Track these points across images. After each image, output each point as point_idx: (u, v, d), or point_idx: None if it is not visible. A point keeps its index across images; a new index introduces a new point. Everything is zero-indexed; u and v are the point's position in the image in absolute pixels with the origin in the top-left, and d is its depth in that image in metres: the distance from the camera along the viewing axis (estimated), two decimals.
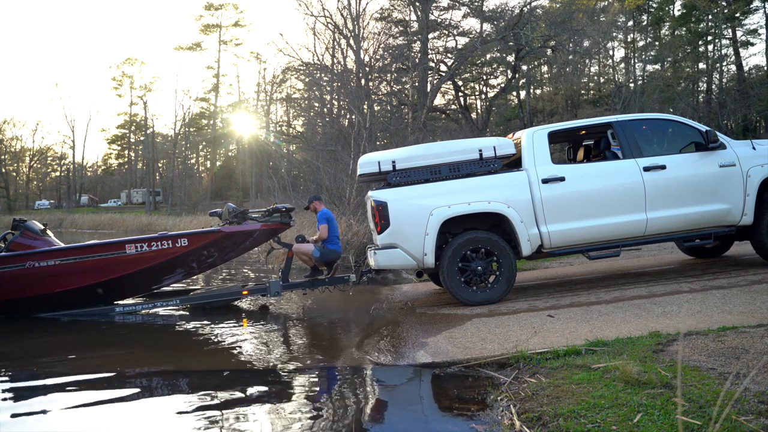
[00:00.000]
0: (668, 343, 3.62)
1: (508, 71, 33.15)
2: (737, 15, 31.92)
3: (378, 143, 15.54)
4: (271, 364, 4.54)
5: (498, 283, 5.59)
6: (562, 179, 5.70)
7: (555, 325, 4.50)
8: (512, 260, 5.59)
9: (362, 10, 19.39)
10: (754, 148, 5.98)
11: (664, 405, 2.61)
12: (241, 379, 4.15)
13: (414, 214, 5.56)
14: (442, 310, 5.64)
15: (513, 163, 6.19)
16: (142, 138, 61.40)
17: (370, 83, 19.89)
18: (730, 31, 32.33)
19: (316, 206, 7.19)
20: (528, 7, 22.18)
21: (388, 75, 23.17)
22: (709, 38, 32.42)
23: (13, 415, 3.53)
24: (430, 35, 24.48)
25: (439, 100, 29.99)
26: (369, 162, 5.86)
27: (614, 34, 32.99)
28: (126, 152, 67.19)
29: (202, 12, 56.80)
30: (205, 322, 6.18)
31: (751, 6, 31.69)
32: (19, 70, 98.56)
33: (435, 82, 23.57)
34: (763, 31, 32.82)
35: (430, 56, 23.57)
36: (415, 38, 24.37)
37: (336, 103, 20.63)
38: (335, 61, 19.82)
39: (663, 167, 5.76)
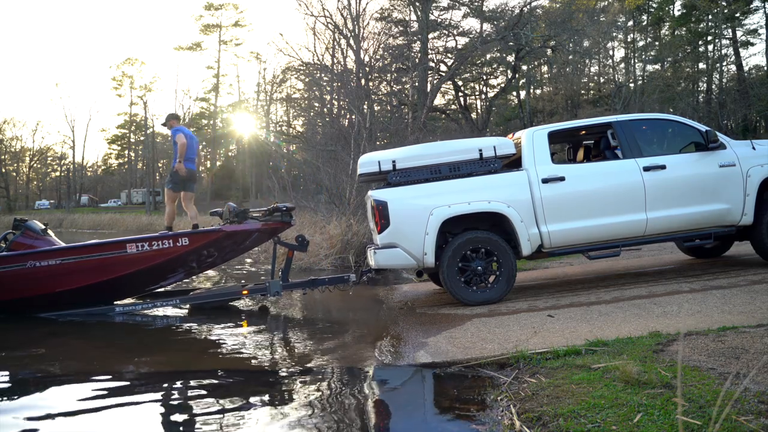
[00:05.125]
0: (668, 343, 3.62)
1: (508, 71, 33.16)
2: (737, 15, 31.95)
3: (378, 143, 15.52)
4: (271, 364, 4.54)
5: (498, 283, 5.60)
6: (562, 179, 5.71)
7: (555, 325, 4.50)
8: (512, 260, 5.59)
9: (362, 10, 19.38)
10: (754, 148, 5.99)
11: (664, 405, 2.61)
12: (240, 379, 4.15)
13: (414, 214, 5.56)
14: (442, 310, 5.64)
15: (513, 163, 6.19)
16: (142, 138, 61.39)
17: (370, 83, 19.88)
18: (730, 31, 32.35)
19: (173, 124, 7.61)
20: (528, 7, 22.17)
21: (388, 75, 23.15)
22: (709, 38, 32.45)
23: (13, 416, 3.53)
24: (430, 35, 24.47)
25: (439, 100, 30.00)
26: (369, 162, 5.86)
27: (614, 34, 32.99)
28: (126, 152, 67.19)
29: (202, 12, 56.73)
30: (205, 322, 6.18)
31: (751, 6, 31.73)
32: (19, 70, 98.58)
33: (435, 82, 23.57)
34: (763, 31, 32.85)
35: (430, 56, 23.57)
36: (415, 38, 24.36)
37: (336, 103, 20.61)
38: (335, 61, 19.81)
39: (663, 167, 5.76)
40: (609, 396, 2.82)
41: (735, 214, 5.81)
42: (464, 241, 5.57)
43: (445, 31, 26.23)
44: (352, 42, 18.95)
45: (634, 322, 4.31)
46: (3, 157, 63.22)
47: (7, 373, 4.67)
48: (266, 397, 3.68)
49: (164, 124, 7.92)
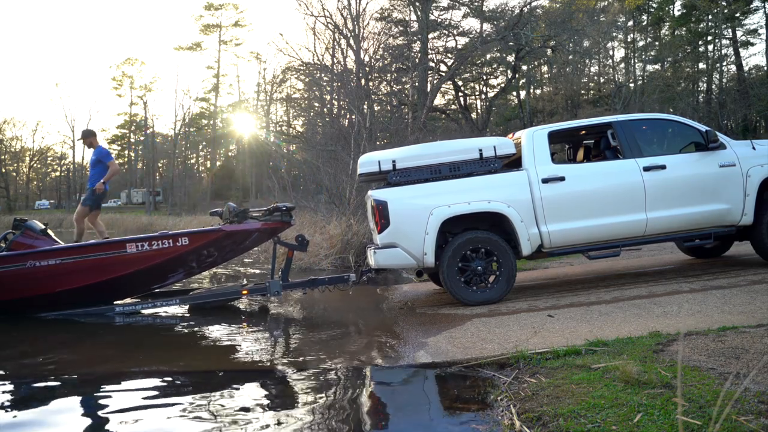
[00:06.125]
0: (668, 343, 3.62)
1: (508, 71, 33.18)
2: (737, 15, 31.96)
3: (378, 143, 15.52)
4: (271, 364, 4.54)
5: (498, 283, 5.59)
6: (562, 179, 5.71)
7: (555, 325, 4.50)
8: (512, 260, 5.59)
9: (362, 10, 19.39)
10: (754, 148, 5.99)
11: (664, 405, 2.61)
12: (240, 380, 4.14)
13: (414, 214, 5.56)
14: (442, 310, 5.64)
15: (513, 162, 6.19)
16: (142, 138, 61.40)
17: (370, 83, 19.88)
18: (730, 31, 32.36)
19: (92, 142, 8.10)
20: (528, 7, 22.19)
21: (388, 75, 23.16)
22: (709, 38, 32.46)
23: (13, 416, 3.53)
24: (430, 35, 24.48)
25: (439, 100, 30.01)
26: (369, 161, 5.86)
27: (614, 34, 33.00)
28: (126, 152, 67.20)
29: (202, 12, 56.84)
30: (205, 322, 6.18)
31: (751, 6, 31.75)
32: (19, 70, 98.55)
33: (435, 82, 23.58)
34: (763, 31, 32.87)
35: (430, 56, 23.58)
36: (415, 38, 24.37)
37: (336, 103, 20.61)
38: (335, 61, 19.82)
39: (663, 167, 5.76)
40: (609, 396, 2.82)
41: (735, 214, 5.81)
42: (464, 241, 5.57)
43: (445, 31, 26.24)
44: (352, 42, 18.95)
45: (634, 322, 4.31)
46: (3, 157, 63.21)
47: (6, 373, 4.67)
48: (266, 397, 3.68)
49: (82, 140, 8.43)
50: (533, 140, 5.91)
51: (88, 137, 8.27)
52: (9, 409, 3.62)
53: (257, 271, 10.48)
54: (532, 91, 40.01)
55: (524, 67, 31.84)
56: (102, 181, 7.77)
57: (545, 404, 2.88)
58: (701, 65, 32.97)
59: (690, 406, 2.56)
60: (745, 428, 2.30)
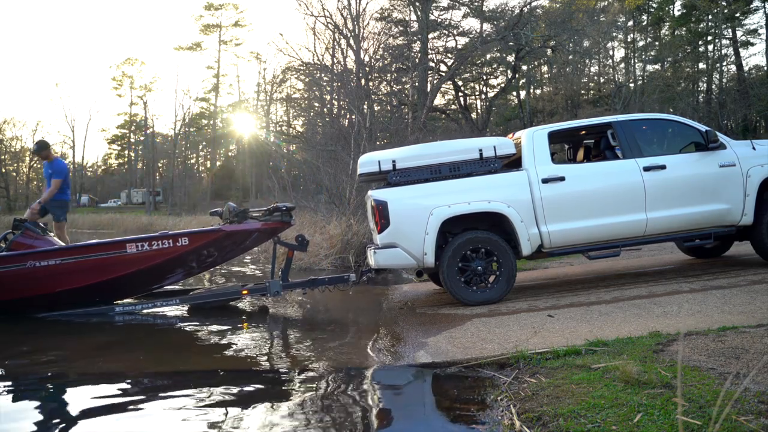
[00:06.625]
0: (668, 343, 3.62)
1: (508, 71, 33.19)
2: (737, 15, 31.98)
3: (378, 143, 15.52)
4: (271, 364, 4.54)
5: (498, 283, 5.59)
6: (562, 179, 5.70)
7: (555, 325, 4.50)
8: (512, 260, 5.59)
9: (362, 10, 19.39)
10: (754, 148, 5.99)
11: (664, 405, 2.61)
12: (239, 380, 4.15)
13: (414, 214, 5.56)
14: (442, 310, 5.64)
15: (513, 163, 6.19)
16: (142, 138, 61.44)
17: (370, 83, 19.89)
18: (730, 31, 32.37)
19: (48, 155, 7.70)
20: (528, 7, 22.19)
21: (388, 75, 23.17)
22: (709, 38, 32.47)
23: (14, 418, 3.53)
24: (430, 35, 24.49)
25: (439, 100, 30.01)
26: (369, 161, 5.86)
27: (614, 34, 33.01)
28: (126, 152, 67.23)
29: (202, 12, 56.95)
30: (205, 322, 6.18)
31: (751, 6, 31.77)
32: (19, 70, 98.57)
33: (435, 82, 23.59)
34: (763, 31, 32.88)
35: (430, 56, 23.59)
36: (415, 38, 24.38)
37: (336, 103, 20.61)
38: (335, 61, 19.82)
39: (663, 167, 5.76)
40: (609, 396, 2.82)
41: (735, 214, 5.81)
42: (464, 241, 5.57)
43: (445, 31, 26.25)
44: (352, 42, 18.95)
45: (634, 322, 4.31)
46: (3, 157, 63.17)
47: (7, 374, 4.67)
48: (266, 398, 3.67)
49: (37, 153, 8.00)
50: (533, 140, 5.91)
51: (44, 149, 7.82)
52: (9, 410, 3.62)
53: (258, 271, 10.48)
54: (532, 91, 40.03)
55: (524, 67, 31.85)
56: (39, 201, 7.56)
57: (545, 404, 2.88)
58: (701, 65, 33.00)
59: (690, 406, 2.56)
60: (745, 428, 2.30)
